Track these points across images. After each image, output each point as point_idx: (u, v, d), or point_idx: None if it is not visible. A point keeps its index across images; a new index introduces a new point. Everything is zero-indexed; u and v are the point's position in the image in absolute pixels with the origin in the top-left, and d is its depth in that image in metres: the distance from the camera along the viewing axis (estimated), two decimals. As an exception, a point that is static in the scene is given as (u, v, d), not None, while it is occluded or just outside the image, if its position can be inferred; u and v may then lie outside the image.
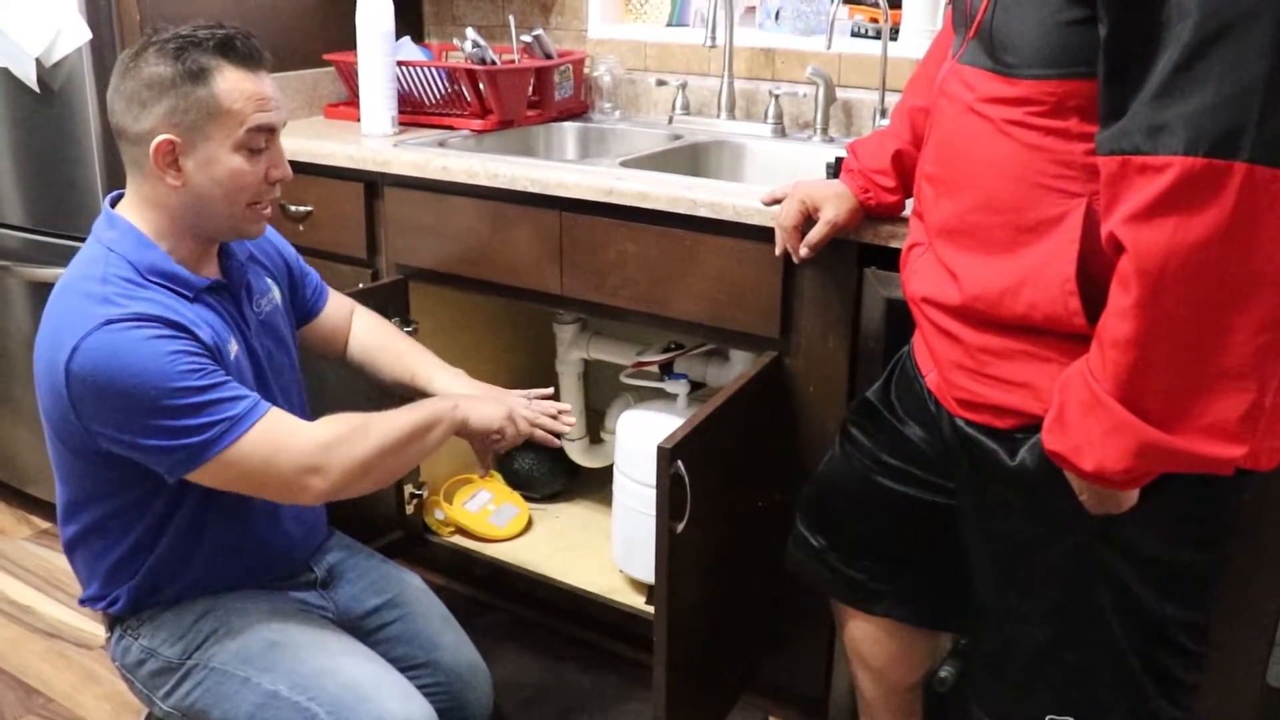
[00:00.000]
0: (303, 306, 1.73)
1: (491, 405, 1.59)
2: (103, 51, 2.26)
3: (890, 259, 1.66)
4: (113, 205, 1.45)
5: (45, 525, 2.72)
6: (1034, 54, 1.13)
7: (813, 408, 1.83)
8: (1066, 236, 1.13)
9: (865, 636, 1.61)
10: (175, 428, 1.30)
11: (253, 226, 1.46)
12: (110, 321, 1.30)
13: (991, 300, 1.20)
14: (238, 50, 1.38)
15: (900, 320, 1.66)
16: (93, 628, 2.28)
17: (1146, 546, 1.20)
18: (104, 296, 1.33)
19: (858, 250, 1.70)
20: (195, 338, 1.35)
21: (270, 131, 1.41)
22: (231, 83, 1.37)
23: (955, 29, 1.33)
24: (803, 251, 1.64)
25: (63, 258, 2.39)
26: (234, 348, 1.45)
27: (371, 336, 1.80)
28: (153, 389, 1.29)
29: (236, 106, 1.37)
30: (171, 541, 1.45)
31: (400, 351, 1.79)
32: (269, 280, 1.61)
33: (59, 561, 2.55)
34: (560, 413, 1.67)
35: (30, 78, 2.29)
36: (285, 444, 1.35)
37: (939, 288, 1.28)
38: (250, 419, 1.34)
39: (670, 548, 1.53)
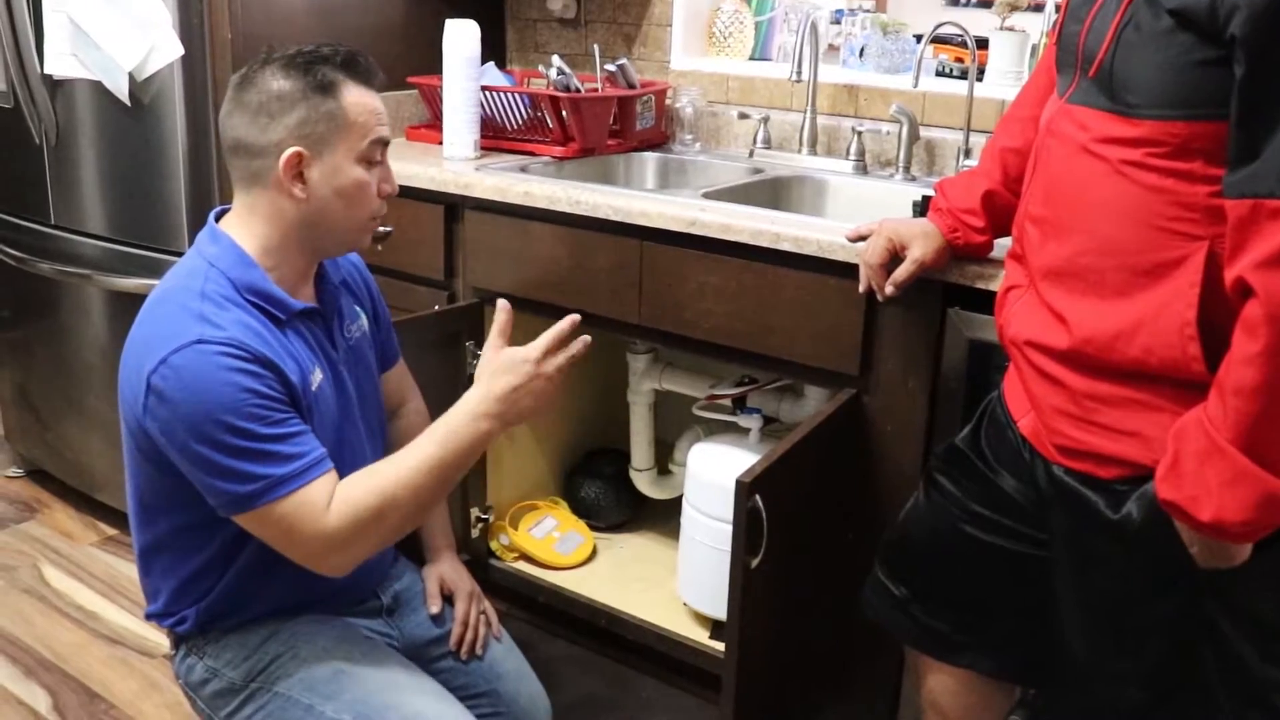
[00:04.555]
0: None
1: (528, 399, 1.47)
2: (193, 68, 2.30)
3: (975, 299, 1.64)
4: (216, 219, 1.45)
5: (113, 532, 2.75)
6: (1159, 94, 1.10)
7: (890, 447, 1.80)
8: (1186, 280, 1.11)
9: (944, 689, 1.57)
10: (225, 469, 1.29)
11: (363, 238, 1.48)
12: (202, 341, 1.29)
13: (1103, 344, 1.17)
14: (360, 67, 1.43)
15: (983, 362, 1.64)
16: (156, 636, 2.29)
17: (1253, 605, 1.16)
18: (201, 313, 1.32)
19: (942, 290, 1.68)
20: (280, 375, 1.33)
21: (385, 145, 1.45)
22: (355, 97, 1.40)
23: (1061, 70, 1.30)
24: (888, 289, 1.61)
25: (142, 269, 2.43)
26: (318, 377, 1.43)
27: (408, 432, 1.71)
28: (215, 424, 1.28)
29: (361, 120, 1.40)
30: (248, 563, 1.43)
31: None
32: (359, 308, 1.61)
33: (125, 569, 2.57)
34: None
35: (122, 91, 2.34)
36: (304, 528, 1.32)
37: (1044, 331, 1.25)
38: (292, 485, 1.31)
39: (744, 582, 1.50)
